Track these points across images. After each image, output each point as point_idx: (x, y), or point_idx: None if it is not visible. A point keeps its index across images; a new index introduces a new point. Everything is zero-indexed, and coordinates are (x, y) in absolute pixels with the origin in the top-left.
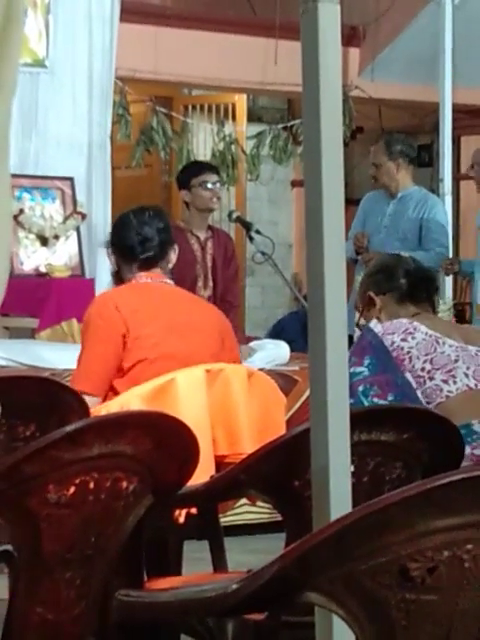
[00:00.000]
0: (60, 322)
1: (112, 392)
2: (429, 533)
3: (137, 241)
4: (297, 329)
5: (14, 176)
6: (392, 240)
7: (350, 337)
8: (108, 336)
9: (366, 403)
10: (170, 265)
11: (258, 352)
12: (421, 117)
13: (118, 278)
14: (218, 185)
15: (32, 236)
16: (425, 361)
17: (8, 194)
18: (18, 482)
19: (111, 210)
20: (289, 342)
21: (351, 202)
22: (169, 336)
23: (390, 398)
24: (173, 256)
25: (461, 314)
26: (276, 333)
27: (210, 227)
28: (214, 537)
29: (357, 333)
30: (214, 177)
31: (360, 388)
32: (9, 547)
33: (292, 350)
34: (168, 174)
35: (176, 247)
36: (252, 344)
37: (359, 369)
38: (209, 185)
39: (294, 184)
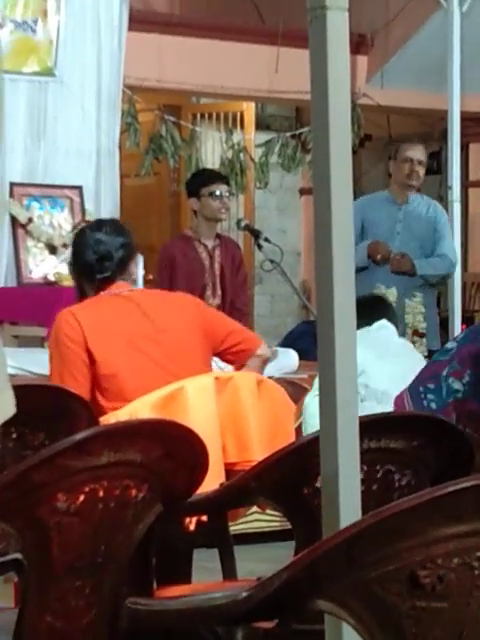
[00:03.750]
0: None
1: (99, 409)
2: (439, 540)
3: (94, 260)
4: (309, 340)
5: (23, 185)
6: (410, 246)
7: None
8: (75, 354)
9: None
10: (133, 277)
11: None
12: (429, 125)
13: (81, 293)
14: (228, 195)
15: (41, 245)
16: None
17: None
18: (27, 490)
19: (120, 218)
20: (302, 352)
21: None
22: (140, 344)
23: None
24: (134, 268)
25: (470, 322)
26: (288, 344)
27: (218, 235)
28: (224, 545)
29: None
30: (224, 187)
31: (453, 414)
32: (19, 556)
33: (305, 360)
34: (177, 182)
35: (137, 259)
36: None
37: (456, 385)
38: (218, 194)
39: (303, 192)
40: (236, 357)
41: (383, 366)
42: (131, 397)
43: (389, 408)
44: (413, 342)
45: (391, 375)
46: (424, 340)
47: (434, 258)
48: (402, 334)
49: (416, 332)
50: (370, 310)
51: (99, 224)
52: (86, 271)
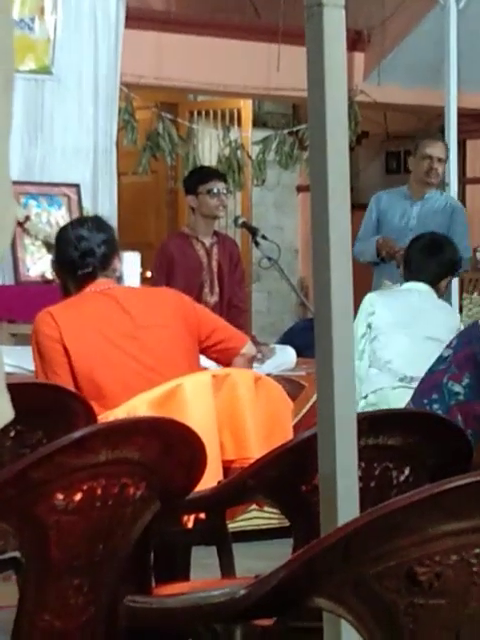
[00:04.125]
0: None
1: None
2: (437, 537)
3: (76, 256)
4: (310, 335)
5: (20, 183)
6: None
7: None
8: (56, 352)
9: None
10: (117, 273)
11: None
12: (426, 121)
13: (65, 290)
14: (225, 192)
15: (38, 243)
16: None
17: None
18: (25, 489)
19: (117, 216)
20: (303, 347)
21: (357, 207)
22: (118, 341)
23: (468, 431)
24: (118, 264)
25: None
26: (288, 339)
27: (215, 233)
28: (222, 543)
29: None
30: (221, 185)
31: (459, 416)
32: (17, 554)
33: (304, 357)
34: (174, 180)
35: (121, 255)
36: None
37: (456, 388)
38: (215, 191)
39: (300, 189)
40: (221, 355)
41: (396, 337)
42: (110, 394)
43: (390, 378)
44: None
45: (399, 347)
46: None
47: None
48: None
49: None
50: (424, 253)
51: (81, 221)
52: (68, 267)
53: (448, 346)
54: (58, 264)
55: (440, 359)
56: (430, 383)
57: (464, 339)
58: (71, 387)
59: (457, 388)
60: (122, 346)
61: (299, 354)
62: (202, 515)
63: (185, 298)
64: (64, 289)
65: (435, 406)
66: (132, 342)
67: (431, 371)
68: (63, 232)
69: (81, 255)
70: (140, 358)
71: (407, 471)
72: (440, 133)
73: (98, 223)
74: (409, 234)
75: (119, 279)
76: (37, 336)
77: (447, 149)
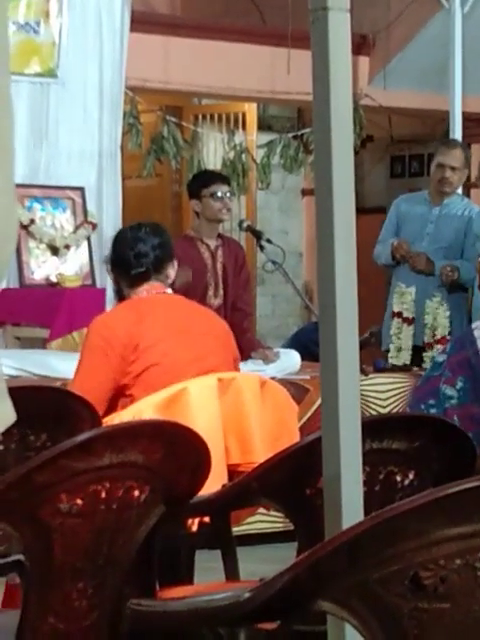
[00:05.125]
0: (71, 332)
1: (129, 399)
2: (441, 541)
3: (131, 256)
4: (316, 340)
5: (25, 186)
6: (436, 248)
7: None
8: (105, 357)
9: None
10: (169, 280)
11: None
12: (431, 125)
13: (119, 294)
14: (229, 196)
15: (43, 246)
16: None
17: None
18: (30, 492)
19: (122, 220)
20: (312, 347)
21: (362, 211)
22: (176, 339)
23: (468, 434)
24: (171, 272)
25: None
26: (298, 338)
27: (220, 236)
28: (226, 546)
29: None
30: (225, 188)
31: (454, 418)
32: (21, 557)
33: (312, 361)
34: (179, 183)
35: (175, 263)
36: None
37: (450, 392)
38: (219, 195)
39: (305, 193)
40: None
41: None
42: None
43: None
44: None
45: None
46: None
47: (463, 261)
48: (421, 335)
49: (434, 337)
50: None
51: (139, 225)
52: (123, 267)
53: (442, 352)
54: (113, 264)
55: (435, 365)
56: (427, 389)
57: (457, 344)
58: (102, 394)
59: (451, 392)
60: (177, 350)
61: (310, 352)
62: (206, 518)
63: (229, 330)
64: (118, 291)
65: (432, 411)
66: (185, 346)
67: (427, 377)
68: (120, 234)
69: (135, 256)
70: (195, 362)
71: (411, 475)
72: (448, 138)
73: (154, 228)
74: (426, 238)
75: (170, 286)
76: (93, 337)
77: (465, 155)
